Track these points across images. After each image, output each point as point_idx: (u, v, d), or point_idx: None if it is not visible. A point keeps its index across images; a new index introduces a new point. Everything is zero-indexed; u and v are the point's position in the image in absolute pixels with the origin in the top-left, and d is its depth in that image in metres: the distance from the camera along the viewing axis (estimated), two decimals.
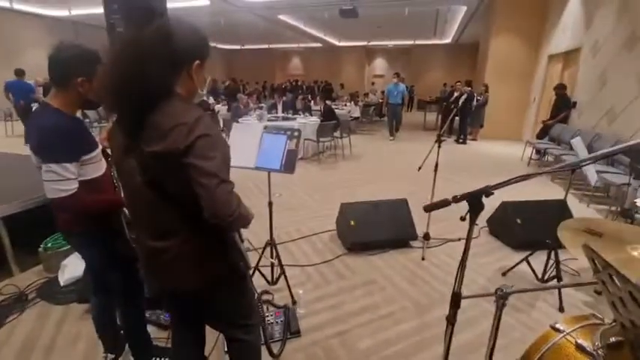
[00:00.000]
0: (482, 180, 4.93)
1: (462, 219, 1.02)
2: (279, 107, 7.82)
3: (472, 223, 1.01)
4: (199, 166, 0.89)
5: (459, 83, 9.11)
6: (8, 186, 2.81)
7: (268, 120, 6.37)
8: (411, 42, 18.26)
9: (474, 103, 8.67)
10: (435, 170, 2.94)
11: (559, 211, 3.08)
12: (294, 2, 9.92)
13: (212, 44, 18.33)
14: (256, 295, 1.98)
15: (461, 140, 8.48)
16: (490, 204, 3.93)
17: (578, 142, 1.95)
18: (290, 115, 7.18)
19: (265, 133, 1.98)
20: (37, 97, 8.13)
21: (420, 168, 3.04)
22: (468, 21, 12.10)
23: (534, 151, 6.34)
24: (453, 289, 1.10)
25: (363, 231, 2.91)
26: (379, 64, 20.99)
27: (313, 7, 10.60)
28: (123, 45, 0.94)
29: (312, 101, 9.44)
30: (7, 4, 10.71)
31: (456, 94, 8.82)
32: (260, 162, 1.93)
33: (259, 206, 3.51)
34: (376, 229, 2.95)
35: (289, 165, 1.91)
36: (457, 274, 1.07)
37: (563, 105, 6.20)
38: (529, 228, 2.92)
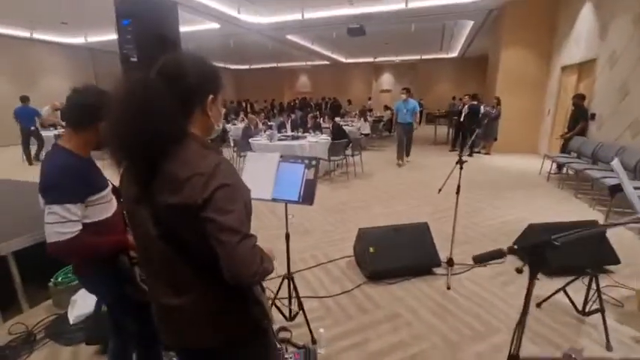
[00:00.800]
0: (503, 198, 4.73)
1: (519, 271, 0.89)
2: (288, 126, 7.82)
3: (533, 277, 0.88)
4: (219, 220, 0.79)
5: (467, 97, 9.05)
6: (20, 217, 2.77)
7: (279, 139, 6.34)
8: (417, 57, 18.39)
9: (481, 116, 8.59)
10: (457, 193, 2.79)
11: (595, 233, 2.90)
12: (302, 23, 10.09)
13: (221, 65, 18.80)
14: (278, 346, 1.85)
15: (469, 153, 8.40)
16: (515, 224, 3.72)
17: (617, 165, 1.80)
18: (300, 134, 7.15)
19: (282, 162, 1.90)
20: (56, 120, 8.43)
21: (440, 190, 2.91)
22: (474, 35, 12.12)
23: (554, 164, 6.12)
24: (510, 351, 0.95)
25: (383, 258, 2.76)
26: (386, 79, 21.12)
27: (321, 27, 10.77)
28: (129, 87, 0.86)
29: (322, 119, 9.42)
30: (27, 34, 11.18)
31: (463, 109, 8.78)
32: (277, 193, 1.84)
33: (273, 231, 3.39)
34: (397, 256, 2.80)
35: (308, 196, 1.81)
36: (514, 335, 0.93)
37: (580, 116, 6.02)
38: (563, 253, 2.72)
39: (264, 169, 1.89)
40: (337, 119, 8.60)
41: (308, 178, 1.83)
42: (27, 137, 7.90)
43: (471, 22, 10.66)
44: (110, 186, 1.38)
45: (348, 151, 6.43)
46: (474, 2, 8.29)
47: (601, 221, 3.95)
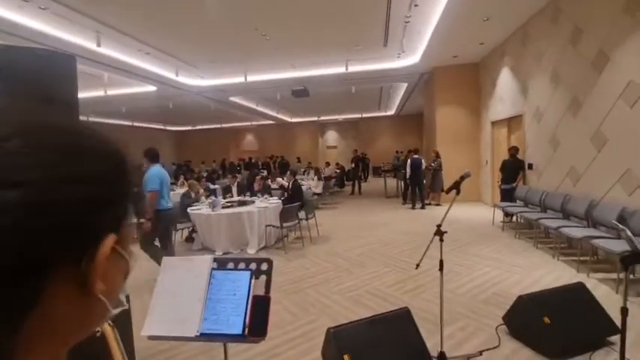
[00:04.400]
0: (469, 254, 4.35)
1: None
2: (234, 189, 7.15)
3: None
4: None
5: (410, 152, 9.50)
6: None
7: (223, 207, 5.61)
8: (359, 115, 19.53)
9: (422, 168, 8.91)
10: (441, 270, 2.34)
11: (583, 299, 2.62)
12: (245, 85, 10.04)
13: (160, 127, 17.97)
14: None
15: (419, 206, 8.59)
16: (491, 288, 3.30)
17: (629, 235, 1.52)
18: (248, 199, 6.50)
19: (217, 271, 1.27)
20: None
21: (417, 265, 2.45)
22: (409, 95, 13.20)
23: (504, 214, 6.22)
24: None
25: None
26: (332, 136, 21.89)
27: (265, 89, 10.83)
28: None
29: (271, 179, 8.93)
30: None
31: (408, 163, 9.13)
32: (208, 324, 1.17)
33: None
34: (379, 358, 2.17)
35: (258, 324, 1.17)
36: None
37: (519, 167, 6.38)
38: (563, 329, 2.35)
39: (187, 284, 1.23)
40: (298, 178, 8.15)
41: (257, 293, 1.21)
42: None
43: (405, 84, 11.60)
44: None
45: (302, 215, 5.89)
46: (406, 67, 8.99)
47: (574, 275, 3.81)
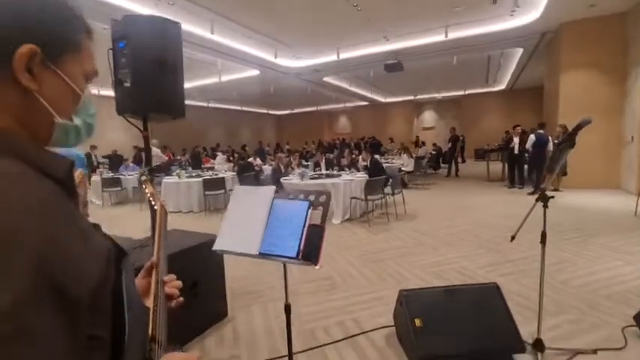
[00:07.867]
0: (594, 245, 3.49)
1: None
2: (323, 164, 7.38)
3: None
4: None
5: (518, 127, 8.17)
6: None
7: (311, 178, 5.86)
8: (461, 92, 17.67)
9: (550, 147, 7.48)
10: (543, 243, 1.96)
11: None
12: (338, 63, 10.10)
13: (264, 110, 19.69)
14: None
15: (529, 190, 7.33)
16: (622, 284, 2.64)
17: None
18: (335, 172, 6.64)
19: (277, 200, 1.32)
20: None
21: (513, 238, 2.10)
22: (525, 63, 11.27)
23: None
24: None
25: (434, 335, 1.95)
26: (429, 117, 20.46)
27: (358, 66, 10.69)
28: None
29: (360, 156, 8.91)
30: (94, 92, 12.51)
31: (515, 140, 7.86)
32: (267, 246, 1.24)
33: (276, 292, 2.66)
34: (455, 333, 1.97)
35: (311, 250, 1.18)
36: None
37: None
38: None
39: (252, 210, 1.32)
40: (376, 155, 8.00)
41: (313, 222, 1.22)
42: None
43: (520, 50, 9.91)
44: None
45: (388, 190, 5.72)
46: (522, 27, 7.64)
47: None
